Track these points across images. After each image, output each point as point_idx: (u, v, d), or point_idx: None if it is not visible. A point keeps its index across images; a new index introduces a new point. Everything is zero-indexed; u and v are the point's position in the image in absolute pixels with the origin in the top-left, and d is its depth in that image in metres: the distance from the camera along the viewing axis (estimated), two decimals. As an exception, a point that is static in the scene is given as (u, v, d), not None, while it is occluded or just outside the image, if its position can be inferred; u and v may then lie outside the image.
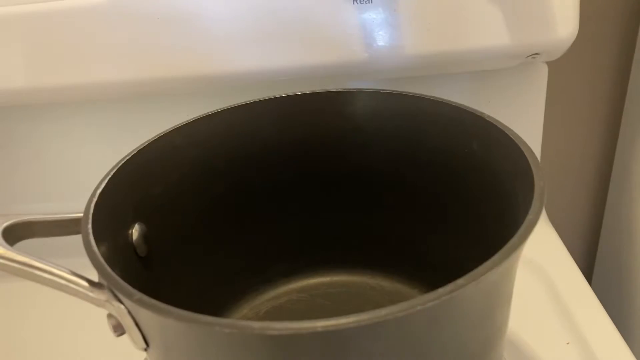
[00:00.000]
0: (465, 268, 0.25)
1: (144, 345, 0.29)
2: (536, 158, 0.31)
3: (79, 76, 0.46)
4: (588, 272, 0.75)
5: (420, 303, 0.22)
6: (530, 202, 0.28)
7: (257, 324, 0.23)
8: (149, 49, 0.46)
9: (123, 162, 0.35)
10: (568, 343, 0.44)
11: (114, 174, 0.34)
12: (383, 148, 0.42)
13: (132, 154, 0.36)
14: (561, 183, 0.71)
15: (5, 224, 0.30)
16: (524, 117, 0.56)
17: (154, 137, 0.38)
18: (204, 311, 0.24)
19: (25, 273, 0.28)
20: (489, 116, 0.36)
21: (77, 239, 0.30)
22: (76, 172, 0.55)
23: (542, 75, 0.55)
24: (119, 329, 0.29)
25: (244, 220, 0.44)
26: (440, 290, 0.23)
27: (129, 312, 0.28)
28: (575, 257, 0.53)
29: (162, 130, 0.38)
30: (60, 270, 0.28)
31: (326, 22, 0.46)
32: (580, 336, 0.44)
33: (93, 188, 0.33)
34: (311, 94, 0.42)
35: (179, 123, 0.39)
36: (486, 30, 0.47)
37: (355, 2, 0.46)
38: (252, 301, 0.47)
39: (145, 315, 0.27)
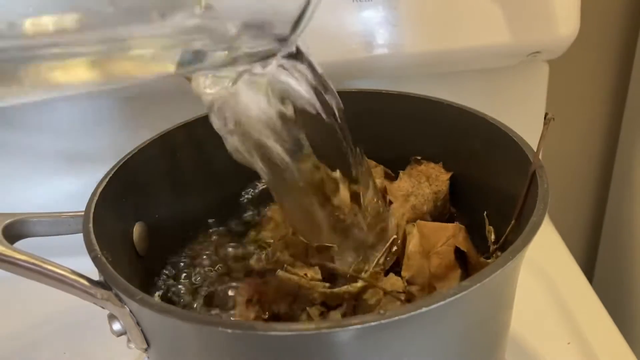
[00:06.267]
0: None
1: (145, 346, 0.29)
2: (539, 160, 0.31)
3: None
4: (589, 272, 0.75)
5: (425, 304, 0.22)
6: (533, 204, 0.28)
7: (260, 325, 0.23)
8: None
9: (124, 161, 0.35)
10: (569, 343, 0.44)
11: (115, 173, 0.34)
12: (382, 149, 0.42)
13: (133, 153, 0.36)
14: (562, 183, 0.71)
15: (5, 222, 0.30)
16: (525, 116, 0.56)
17: (154, 136, 0.37)
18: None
19: (25, 272, 0.28)
20: (490, 117, 0.36)
21: (78, 238, 0.30)
22: (75, 172, 0.55)
23: (543, 74, 0.54)
24: (119, 329, 0.29)
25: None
26: (445, 292, 0.23)
27: (131, 312, 0.28)
28: (577, 257, 0.53)
29: (162, 130, 0.38)
30: (61, 269, 0.28)
31: (325, 20, 0.46)
32: (581, 336, 0.44)
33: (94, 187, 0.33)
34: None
35: (179, 122, 0.39)
36: (487, 29, 0.47)
37: (355, 0, 0.46)
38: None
39: (148, 315, 0.27)
